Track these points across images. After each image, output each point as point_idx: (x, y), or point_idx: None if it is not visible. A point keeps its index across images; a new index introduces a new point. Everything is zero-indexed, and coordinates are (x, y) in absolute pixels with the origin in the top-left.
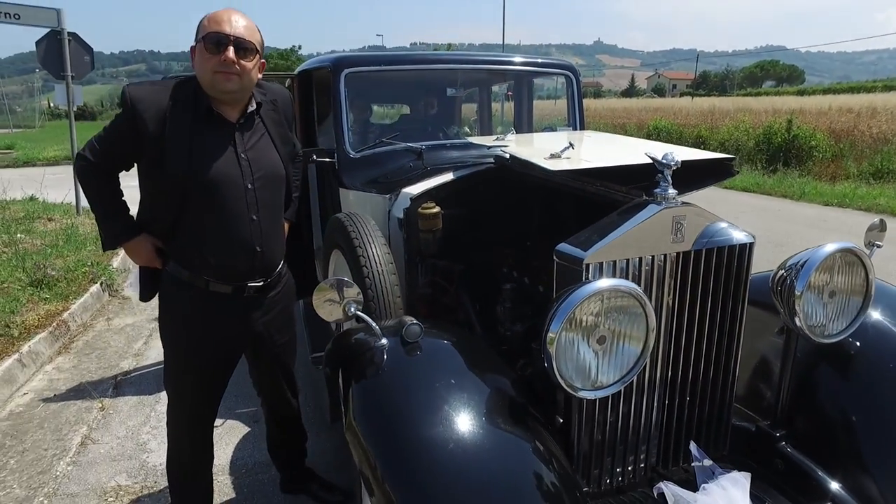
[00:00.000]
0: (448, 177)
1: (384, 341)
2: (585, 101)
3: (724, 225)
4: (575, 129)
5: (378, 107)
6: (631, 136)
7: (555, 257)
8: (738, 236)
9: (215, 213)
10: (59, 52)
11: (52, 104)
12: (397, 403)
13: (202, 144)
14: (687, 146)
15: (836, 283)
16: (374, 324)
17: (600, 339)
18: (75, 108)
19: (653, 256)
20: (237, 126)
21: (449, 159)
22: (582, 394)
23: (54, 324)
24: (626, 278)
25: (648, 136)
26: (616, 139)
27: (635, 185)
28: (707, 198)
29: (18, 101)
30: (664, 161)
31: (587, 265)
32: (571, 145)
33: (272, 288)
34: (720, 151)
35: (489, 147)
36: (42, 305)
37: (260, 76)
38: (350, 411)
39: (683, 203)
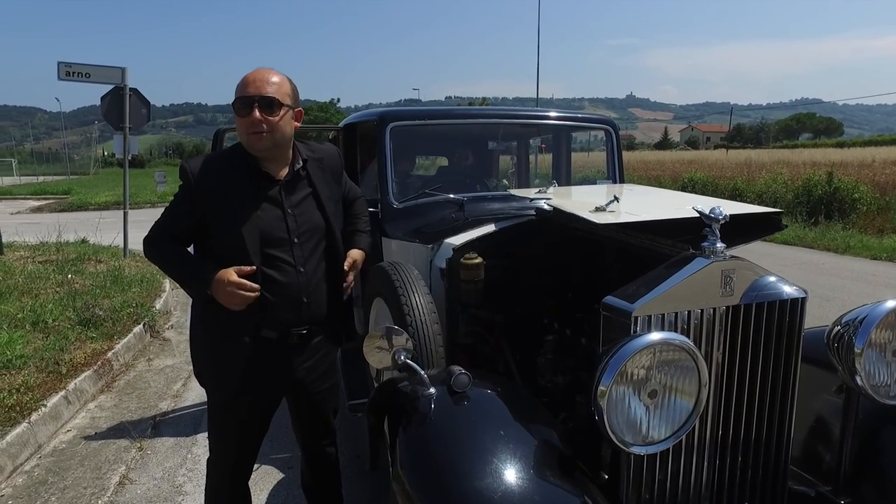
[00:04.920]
0: (490, 228)
1: (432, 390)
2: None
3: (773, 279)
4: (615, 182)
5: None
6: (666, 188)
7: (602, 310)
8: (789, 291)
9: (265, 266)
10: (120, 106)
11: (105, 153)
12: (445, 453)
13: (253, 204)
14: (723, 198)
15: None
16: (423, 372)
17: (651, 392)
18: (129, 157)
19: (701, 310)
20: (283, 184)
21: (490, 211)
22: (634, 449)
23: (99, 362)
24: (675, 332)
25: (683, 188)
26: (657, 192)
27: (679, 238)
28: (748, 251)
29: (77, 150)
30: (712, 215)
31: (635, 318)
32: (616, 199)
33: (316, 335)
34: (757, 203)
35: (531, 199)
36: (89, 344)
37: (297, 124)
38: (397, 460)
39: (732, 257)
